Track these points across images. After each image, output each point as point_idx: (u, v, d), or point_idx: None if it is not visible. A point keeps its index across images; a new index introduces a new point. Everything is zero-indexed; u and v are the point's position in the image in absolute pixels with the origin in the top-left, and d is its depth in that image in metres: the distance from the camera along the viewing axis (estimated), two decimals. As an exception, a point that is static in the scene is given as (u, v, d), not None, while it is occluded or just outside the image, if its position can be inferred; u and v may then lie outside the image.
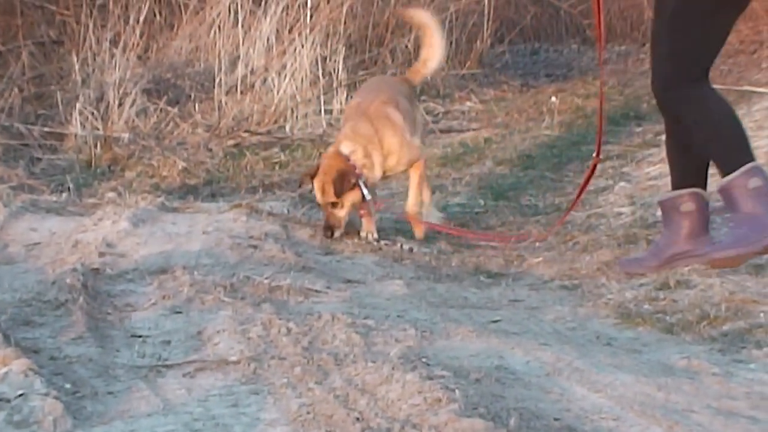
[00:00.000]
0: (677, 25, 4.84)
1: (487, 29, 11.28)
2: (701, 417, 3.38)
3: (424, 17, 6.52)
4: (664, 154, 6.65)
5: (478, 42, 11.09)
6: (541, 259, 5.65)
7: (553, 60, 12.82)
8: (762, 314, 4.45)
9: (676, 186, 5.06)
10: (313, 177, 5.98)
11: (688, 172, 5.01)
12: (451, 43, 10.88)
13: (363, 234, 6.04)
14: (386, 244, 5.95)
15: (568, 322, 4.56)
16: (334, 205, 5.92)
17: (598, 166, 7.56)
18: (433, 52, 6.36)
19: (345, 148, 6.00)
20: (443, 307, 4.74)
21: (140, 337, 4.27)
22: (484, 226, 6.47)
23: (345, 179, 5.89)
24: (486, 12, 11.23)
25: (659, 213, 5.32)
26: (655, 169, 7.08)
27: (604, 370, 3.76)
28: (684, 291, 4.82)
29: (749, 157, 4.75)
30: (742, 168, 4.71)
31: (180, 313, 4.54)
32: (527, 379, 3.64)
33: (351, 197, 5.93)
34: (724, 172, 4.76)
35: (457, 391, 3.38)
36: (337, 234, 5.94)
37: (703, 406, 3.47)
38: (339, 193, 5.88)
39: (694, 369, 3.84)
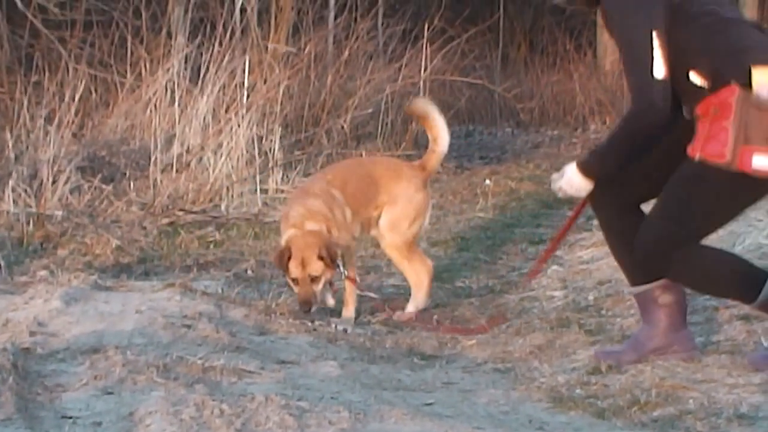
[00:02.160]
0: (686, 194, 4.82)
1: (422, 111, 11.39)
2: (632, 502, 3.41)
3: (423, 105, 6.63)
4: (596, 238, 6.76)
5: (413, 123, 11.20)
6: (474, 341, 5.68)
7: (487, 142, 12.98)
8: (691, 400, 4.50)
9: (636, 281, 5.05)
10: (287, 256, 5.87)
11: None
12: (386, 123, 10.99)
13: (339, 321, 6.00)
14: (320, 325, 5.95)
15: (502, 406, 4.58)
16: (313, 279, 5.85)
17: (532, 249, 7.69)
18: (441, 131, 6.43)
19: (312, 226, 5.93)
20: (377, 389, 4.74)
21: (71, 418, 4.22)
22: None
23: (332, 249, 5.85)
24: (421, 94, 11.36)
25: (590, 298, 5.36)
26: (587, 252, 7.16)
27: (537, 455, 3.78)
28: (615, 376, 4.86)
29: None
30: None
31: (112, 393, 4.49)
32: (460, 464, 3.65)
33: (329, 272, 5.90)
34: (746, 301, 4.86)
35: (390, 475, 3.38)
36: (313, 309, 5.88)
37: (634, 491, 3.50)
38: (329, 262, 5.82)
39: (625, 454, 3.88)
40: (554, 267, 6.77)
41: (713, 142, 4.71)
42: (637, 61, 4.76)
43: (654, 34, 4.73)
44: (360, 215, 6.14)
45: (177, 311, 5.84)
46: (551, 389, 4.77)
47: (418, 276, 6.17)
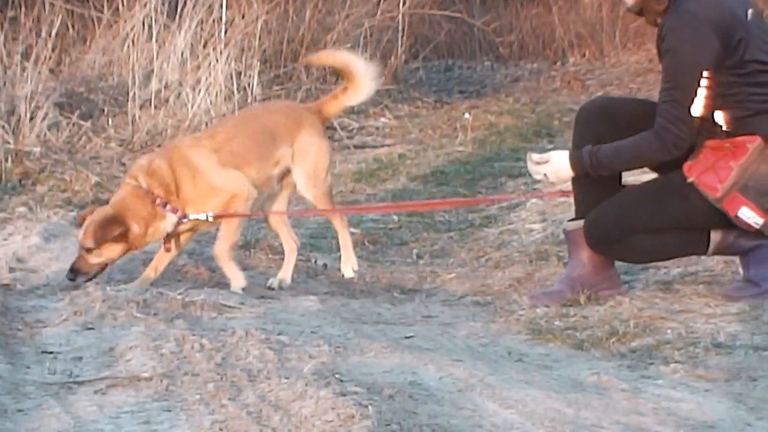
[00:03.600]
0: (656, 200, 4.88)
1: (401, 45, 11.33)
2: (610, 432, 3.43)
3: (335, 54, 5.94)
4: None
5: (392, 58, 11.13)
6: (454, 275, 5.69)
7: (467, 77, 12.92)
8: (669, 330, 4.53)
9: (583, 214, 5.07)
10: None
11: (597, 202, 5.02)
12: (366, 59, 10.91)
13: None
14: (300, 260, 5.94)
15: (481, 338, 4.59)
16: (89, 250, 5.13)
17: (511, 183, 7.69)
18: (360, 80, 5.46)
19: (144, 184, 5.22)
20: (357, 323, 4.75)
21: (51, 353, 4.23)
22: (398, 242, 6.49)
23: (108, 229, 5.12)
24: (400, 28, 11.28)
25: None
26: (565, 186, 7.15)
27: (516, 386, 3.80)
28: (594, 307, 4.88)
29: None
30: None
31: (92, 329, 4.49)
32: (440, 396, 3.66)
33: (111, 249, 5.16)
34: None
35: (370, 407, 3.39)
36: (80, 281, 5.11)
37: (611, 421, 3.52)
38: (98, 243, 5.12)
39: (603, 385, 3.90)
40: (533, 200, 6.76)
41: (712, 175, 4.79)
42: (679, 94, 4.76)
43: (705, 73, 4.74)
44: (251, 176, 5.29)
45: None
46: (530, 321, 4.79)
47: (344, 231, 5.49)
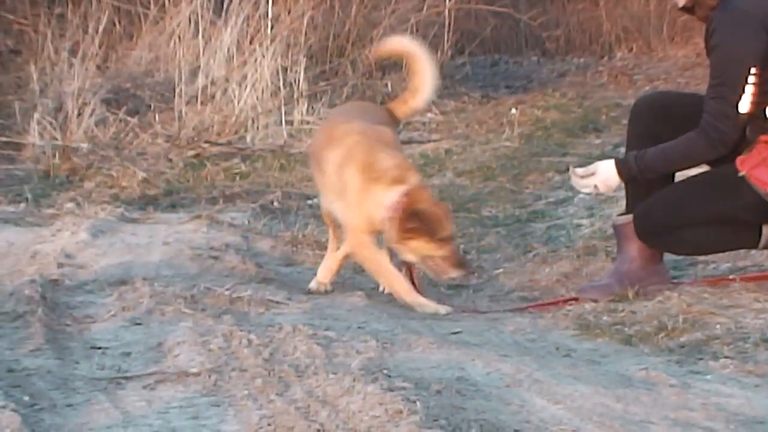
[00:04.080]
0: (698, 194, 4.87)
1: (447, 41, 11.31)
2: (659, 428, 3.41)
3: (404, 44, 5.59)
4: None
5: (439, 53, 11.10)
6: (501, 270, 5.68)
7: (513, 72, 12.88)
8: (718, 326, 4.49)
9: (633, 209, 5.03)
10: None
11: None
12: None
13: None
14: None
15: (528, 334, 4.58)
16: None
17: (558, 178, 7.65)
18: (424, 82, 5.31)
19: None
20: (404, 319, 4.75)
21: (99, 348, 4.26)
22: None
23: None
24: (446, 24, 11.27)
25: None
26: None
27: (564, 382, 3.79)
28: (642, 303, 4.85)
29: None
30: None
31: (140, 324, 4.52)
32: (488, 391, 3.66)
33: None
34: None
35: (418, 402, 3.39)
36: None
37: (660, 417, 3.50)
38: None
39: (651, 380, 3.88)
40: (581, 195, 6.73)
41: (764, 169, 4.75)
42: (726, 91, 4.74)
43: (752, 69, 4.71)
44: None
45: (204, 243, 5.87)
46: (578, 317, 4.77)
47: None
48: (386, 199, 4.89)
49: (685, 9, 4.95)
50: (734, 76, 4.72)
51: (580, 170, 5.01)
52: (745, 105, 4.73)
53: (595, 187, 4.97)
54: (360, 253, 5.02)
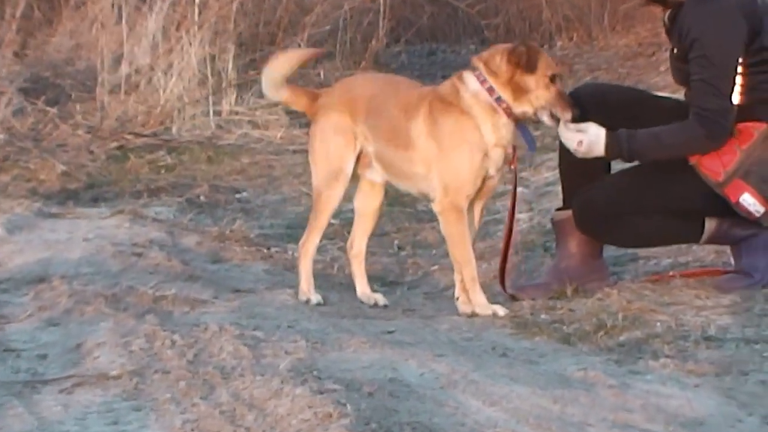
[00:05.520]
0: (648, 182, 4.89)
1: (382, 28, 11.30)
2: (597, 430, 3.43)
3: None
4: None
5: (373, 41, 11.10)
6: (437, 266, 5.69)
7: (451, 61, 12.90)
8: (659, 324, 4.53)
9: (571, 203, 5.04)
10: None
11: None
12: (345, 42, 10.91)
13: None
14: (277, 251, 5.94)
15: (464, 332, 4.59)
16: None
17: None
18: None
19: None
20: (335, 317, 4.74)
21: (14, 351, 4.22)
22: (379, 232, 6.48)
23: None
24: (381, 11, 11.25)
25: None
26: (553, 174, 7.15)
27: (500, 382, 3.80)
28: (581, 300, 4.88)
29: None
30: None
31: (58, 325, 4.49)
32: (421, 392, 3.67)
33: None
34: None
35: (348, 405, 3.39)
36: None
37: (599, 418, 3.52)
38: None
39: (590, 380, 3.90)
40: (519, 189, 6.75)
41: (715, 159, 4.79)
42: (720, 84, 4.74)
43: (740, 60, 4.75)
44: None
45: (126, 239, 5.82)
46: (515, 315, 4.79)
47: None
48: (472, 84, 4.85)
49: None
50: (725, 68, 4.74)
51: (572, 124, 4.89)
52: (736, 96, 4.77)
53: (580, 143, 4.82)
54: (450, 216, 4.91)
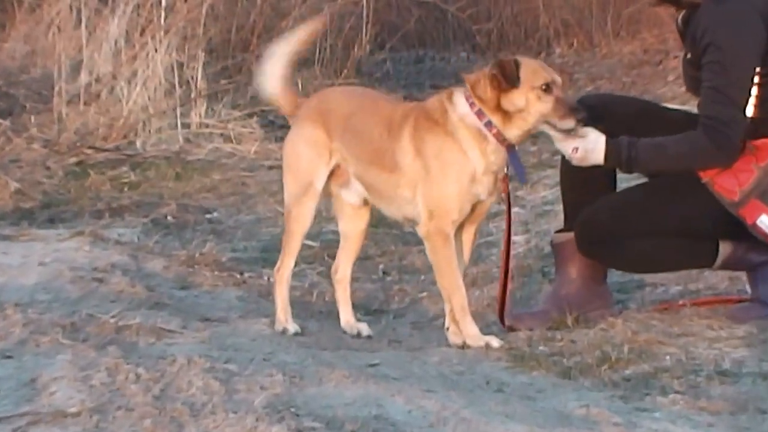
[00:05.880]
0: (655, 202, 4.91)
1: (366, 34, 11.34)
2: (601, 472, 3.44)
3: None
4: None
5: (356, 48, 11.14)
6: (425, 293, 5.70)
7: (440, 69, 12.95)
8: (668, 357, 4.55)
9: (572, 225, 5.05)
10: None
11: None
12: (325, 48, 10.94)
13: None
14: (250, 277, 5.94)
15: (455, 365, 4.60)
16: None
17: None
18: None
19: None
20: (315, 349, 4.75)
21: (-36, 385, 4.20)
22: (362, 256, 6.48)
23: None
24: (365, 15, 11.30)
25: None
26: (551, 192, 7.19)
27: (495, 420, 3.81)
28: (583, 330, 4.90)
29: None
30: None
31: (10, 357, 4.47)
32: (409, 431, 3.67)
33: None
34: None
35: (329, 445, 3.40)
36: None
37: (603, 459, 3.54)
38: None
39: (593, 418, 3.91)
40: (515, 209, 6.79)
41: (731, 177, 4.81)
42: (731, 93, 4.77)
43: (757, 70, 4.78)
44: None
45: (86, 263, 5.82)
46: (511, 346, 4.80)
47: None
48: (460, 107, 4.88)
49: None
50: (741, 77, 4.77)
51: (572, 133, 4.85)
52: (750, 109, 4.78)
53: (575, 150, 4.83)
54: (436, 241, 4.90)
